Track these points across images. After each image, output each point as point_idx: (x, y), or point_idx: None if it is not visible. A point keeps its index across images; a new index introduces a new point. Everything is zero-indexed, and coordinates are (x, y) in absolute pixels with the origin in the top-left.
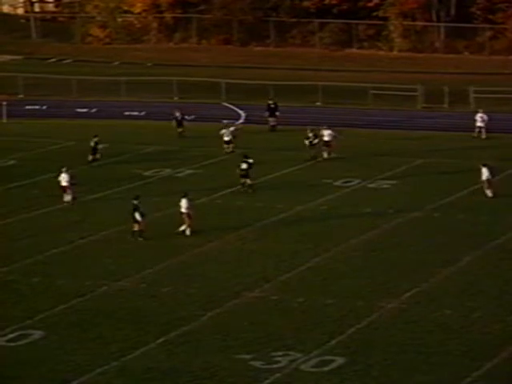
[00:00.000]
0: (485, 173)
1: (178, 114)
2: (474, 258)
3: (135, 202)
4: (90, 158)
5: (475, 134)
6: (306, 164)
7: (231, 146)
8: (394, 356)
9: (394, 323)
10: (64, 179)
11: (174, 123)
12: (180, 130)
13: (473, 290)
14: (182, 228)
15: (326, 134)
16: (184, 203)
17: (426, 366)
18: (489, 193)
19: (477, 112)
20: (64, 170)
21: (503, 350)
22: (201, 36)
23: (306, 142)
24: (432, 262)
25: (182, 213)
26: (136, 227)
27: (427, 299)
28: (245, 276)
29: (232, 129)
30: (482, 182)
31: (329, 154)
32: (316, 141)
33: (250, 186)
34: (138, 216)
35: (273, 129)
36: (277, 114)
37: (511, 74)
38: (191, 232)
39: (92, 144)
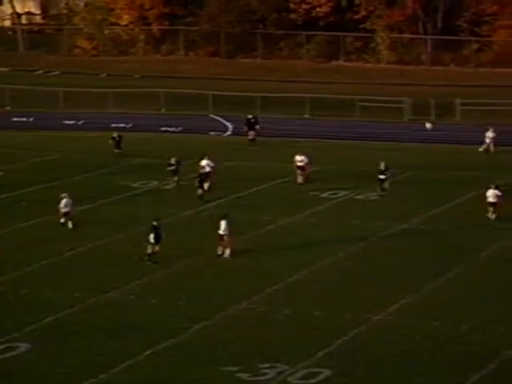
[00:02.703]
0: (491, 195)
1: (115, 135)
2: (462, 269)
3: (155, 223)
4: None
5: (481, 149)
6: (293, 176)
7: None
8: (381, 368)
9: (381, 335)
10: (64, 205)
11: (111, 142)
12: (117, 151)
13: (461, 302)
14: (219, 252)
15: (299, 160)
16: (223, 225)
17: (413, 378)
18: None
19: (487, 129)
20: (64, 195)
21: (491, 362)
22: (188, 48)
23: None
24: (420, 274)
25: (220, 235)
26: (150, 249)
27: (415, 311)
28: (232, 288)
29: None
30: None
31: (304, 178)
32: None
33: (207, 188)
34: (152, 239)
35: (252, 142)
36: (256, 127)
37: (497, 86)
38: (231, 254)
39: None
